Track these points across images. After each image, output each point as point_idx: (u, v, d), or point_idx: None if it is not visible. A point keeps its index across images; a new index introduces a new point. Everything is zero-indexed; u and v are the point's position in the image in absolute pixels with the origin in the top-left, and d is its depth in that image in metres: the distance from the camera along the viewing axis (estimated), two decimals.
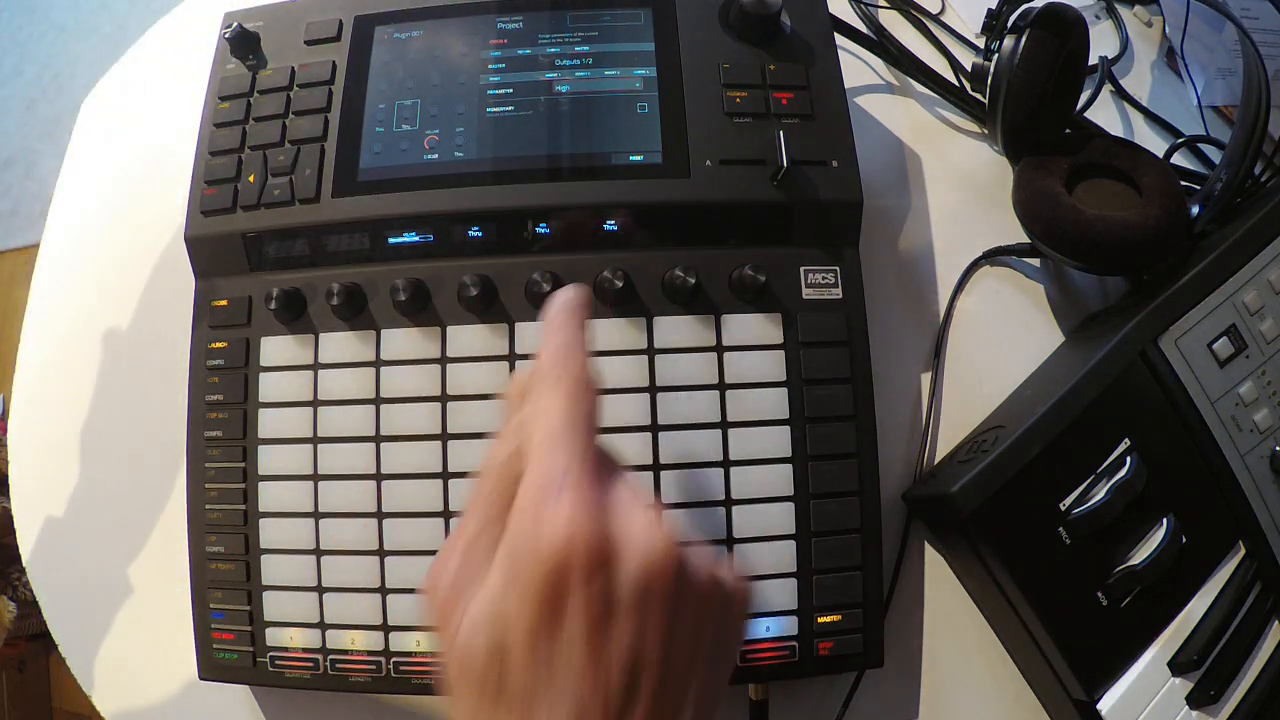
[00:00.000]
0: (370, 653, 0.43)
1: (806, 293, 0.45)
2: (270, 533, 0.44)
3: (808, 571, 0.43)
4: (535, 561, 0.24)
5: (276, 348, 0.45)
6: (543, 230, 0.45)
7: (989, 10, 0.52)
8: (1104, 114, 0.59)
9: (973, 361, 0.53)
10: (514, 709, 0.24)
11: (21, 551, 0.52)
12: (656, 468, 0.43)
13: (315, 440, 0.44)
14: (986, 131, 0.58)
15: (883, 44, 0.59)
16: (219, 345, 0.46)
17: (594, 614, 0.24)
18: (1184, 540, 0.42)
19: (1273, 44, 0.56)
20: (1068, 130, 0.55)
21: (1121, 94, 0.61)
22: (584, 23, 0.48)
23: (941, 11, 0.63)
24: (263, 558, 0.44)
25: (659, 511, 0.28)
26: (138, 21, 1.74)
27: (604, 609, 0.24)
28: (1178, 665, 0.42)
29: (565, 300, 0.31)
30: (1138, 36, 0.63)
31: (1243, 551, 0.43)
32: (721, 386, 0.44)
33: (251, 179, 0.46)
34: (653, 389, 0.43)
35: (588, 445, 0.26)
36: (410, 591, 0.43)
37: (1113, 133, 0.58)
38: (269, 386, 0.45)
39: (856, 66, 0.61)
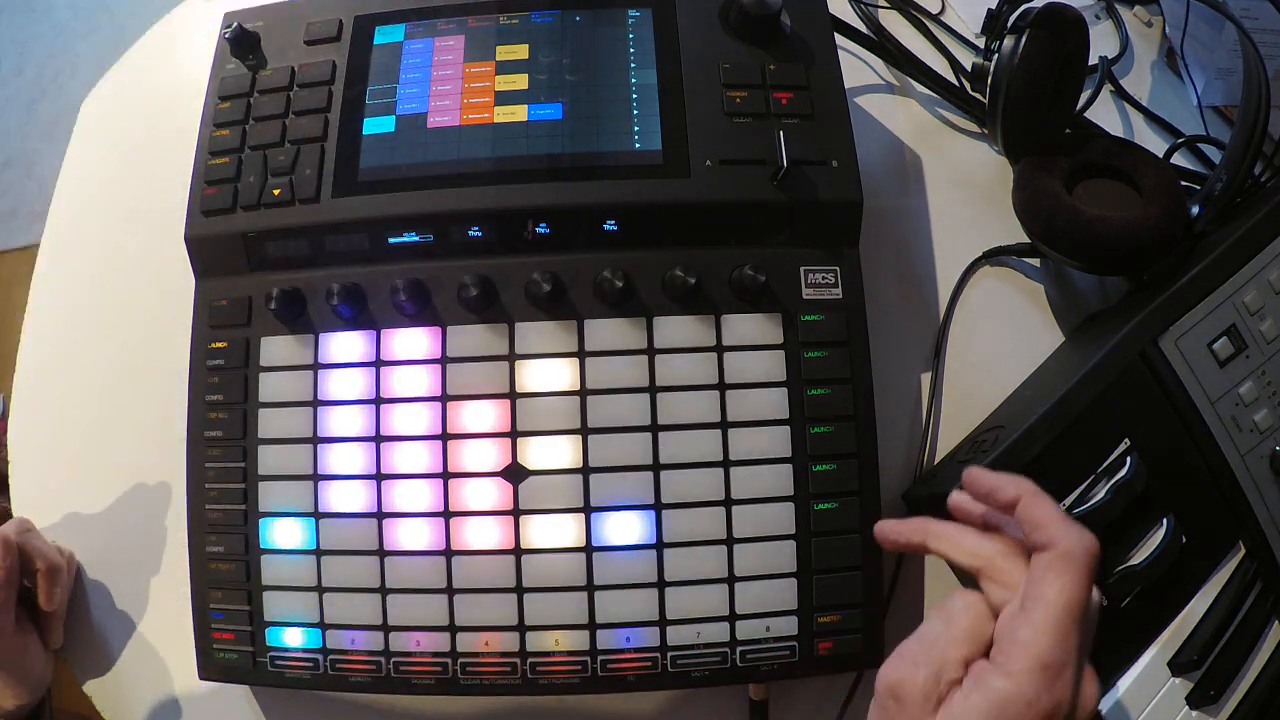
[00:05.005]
0: (370, 653, 0.43)
1: (806, 293, 0.45)
2: (270, 532, 0.44)
3: (808, 571, 0.43)
4: (1029, 716, 0.30)
5: (276, 348, 0.45)
6: (543, 230, 0.45)
7: (989, 10, 0.52)
8: (1104, 114, 0.59)
9: (973, 361, 0.53)
10: None
11: None
12: (656, 468, 0.43)
13: (315, 440, 0.44)
14: (986, 131, 0.58)
15: (883, 44, 0.59)
16: (219, 345, 0.46)
17: None
18: (1184, 540, 0.42)
19: (1273, 44, 0.56)
20: (1068, 130, 0.55)
21: (1121, 94, 0.61)
22: (584, 22, 0.48)
23: (941, 11, 0.63)
24: (263, 558, 0.44)
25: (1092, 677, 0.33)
26: (138, 21, 1.73)
27: None
28: (1178, 665, 0.42)
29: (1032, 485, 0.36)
30: (1138, 36, 0.64)
31: (1243, 551, 0.43)
32: (721, 386, 0.44)
33: (252, 179, 0.46)
34: (653, 389, 0.43)
35: (1083, 633, 0.32)
36: (410, 591, 0.43)
37: (1113, 133, 0.58)
38: (269, 386, 0.45)
39: (856, 66, 0.61)
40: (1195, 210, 0.49)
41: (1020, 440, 0.42)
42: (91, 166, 0.62)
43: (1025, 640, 0.31)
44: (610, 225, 0.45)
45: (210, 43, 0.50)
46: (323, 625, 0.43)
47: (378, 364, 0.44)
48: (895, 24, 0.62)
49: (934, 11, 0.63)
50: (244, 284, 0.46)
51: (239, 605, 0.44)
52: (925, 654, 0.33)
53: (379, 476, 0.44)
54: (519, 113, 0.46)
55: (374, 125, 0.47)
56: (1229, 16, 0.48)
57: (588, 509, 0.43)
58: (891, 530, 0.39)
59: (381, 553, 0.43)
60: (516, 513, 0.43)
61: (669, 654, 0.42)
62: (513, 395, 0.44)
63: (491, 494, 0.43)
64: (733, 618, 0.42)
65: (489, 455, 0.43)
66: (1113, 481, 0.41)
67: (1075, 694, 0.31)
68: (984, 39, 0.53)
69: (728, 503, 0.43)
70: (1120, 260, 0.47)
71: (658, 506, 0.43)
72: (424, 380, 0.44)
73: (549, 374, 0.44)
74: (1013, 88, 0.49)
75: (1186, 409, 0.43)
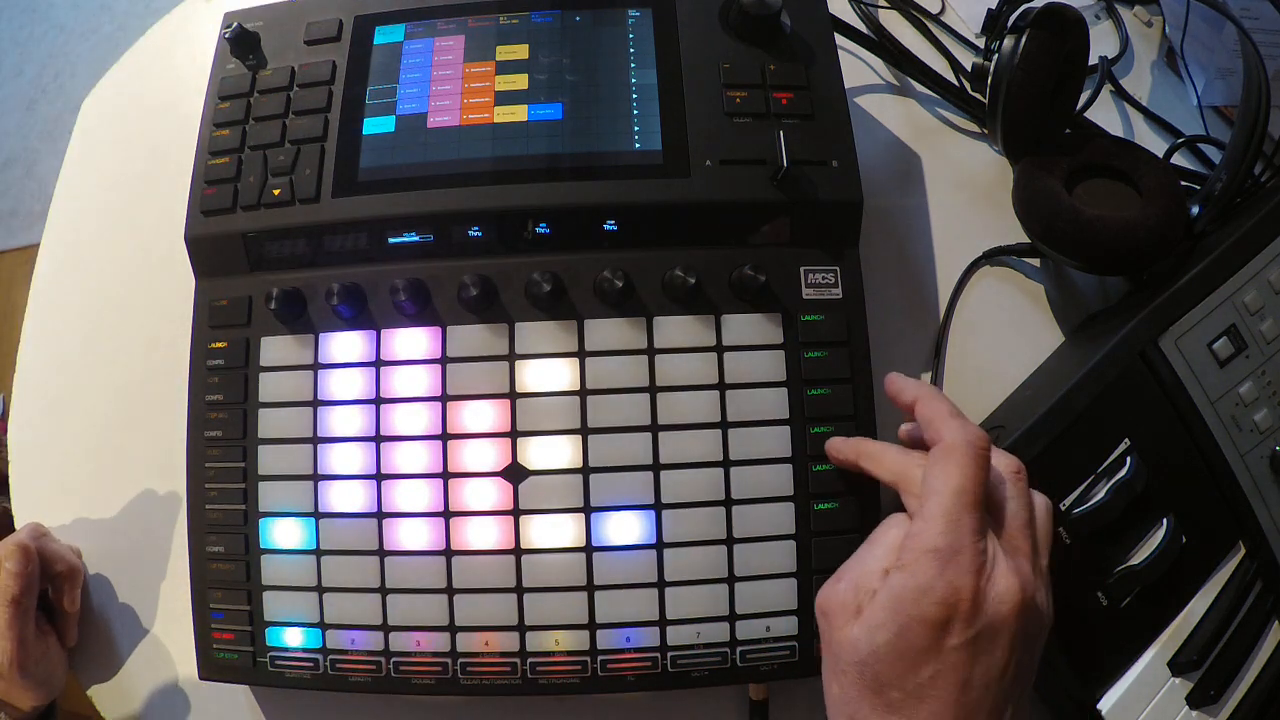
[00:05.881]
0: (370, 653, 0.43)
1: (806, 293, 0.45)
2: (270, 532, 0.44)
3: (808, 571, 0.43)
4: (926, 604, 0.31)
5: (276, 348, 0.45)
6: (543, 230, 0.45)
7: (989, 10, 0.52)
8: (1104, 114, 0.60)
9: (973, 361, 0.53)
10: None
11: None
12: (656, 468, 0.43)
13: (315, 440, 0.44)
14: (986, 131, 0.58)
15: (883, 44, 0.59)
16: (219, 345, 0.46)
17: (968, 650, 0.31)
18: (1184, 540, 0.42)
19: (1273, 44, 0.56)
20: (1068, 130, 0.55)
21: (1121, 94, 0.61)
22: (584, 22, 0.48)
23: (941, 11, 0.63)
24: (263, 558, 0.44)
25: (1017, 560, 0.33)
26: (138, 21, 1.74)
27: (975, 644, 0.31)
28: (1178, 665, 0.42)
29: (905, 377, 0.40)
30: (1138, 36, 0.64)
31: (1243, 551, 0.43)
32: (721, 386, 0.44)
33: (251, 179, 0.46)
34: (653, 389, 0.43)
35: (979, 520, 0.32)
36: (410, 591, 0.43)
37: (1113, 133, 0.58)
38: (269, 386, 0.45)
39: (856, 66, 0.61)
40: (1195, 210, 0.49)
41: (1020, 440, 0.42)
42: (91, 166, 0.62)
43: (916, 530, 0.32)
44: (610, 225, 0.45)
45: (210, 43, 0.50)
46: (323, 625, 0.43)
47: (378, 364, 0.44)
48: (895, 24, 0.62)
49: (934, 11, 0.63)
50: (244, 284, 0.46)
51: (239, 605, 0.44)
52: (848, 570, 0.35)
53: (379, 476, 0.44)
54: (519, 113, 0.46)
55: (374, 125, 0.47)
56: (1229, 16, 0.48)
57: (588, 509, 0.43)
58: (835, 448, 0.42)
59: (381, 553, 0.43)
60: (516, 513, 0.43)
61: (669, 654, 0.42)
62: (513, 395, 0.44)
63: (491, 494, 0.43)
64: (733, 618, 0.42)
65: (489, 455, 0.43)
66: (1113, 481, 0.41)
67: (978, 582, 0.31)
68: (984, 39, 0.53)
69: (728, 503, 0.43)
70: (1120, 260, 0.47)
71: (658, 506, 0.43)
72: (424, 380, 0.44)
73: (549, 374, 0.44)
74: (1013, 88, 0.49)
75: (1186, 409, 0.43)
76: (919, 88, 0.60)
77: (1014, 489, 0.35)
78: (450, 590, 0.43)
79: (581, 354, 0.44)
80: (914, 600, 0.31)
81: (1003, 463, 0.35)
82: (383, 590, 0.43)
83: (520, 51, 0.48)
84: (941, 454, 0.33)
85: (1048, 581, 0.34)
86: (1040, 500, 0.36)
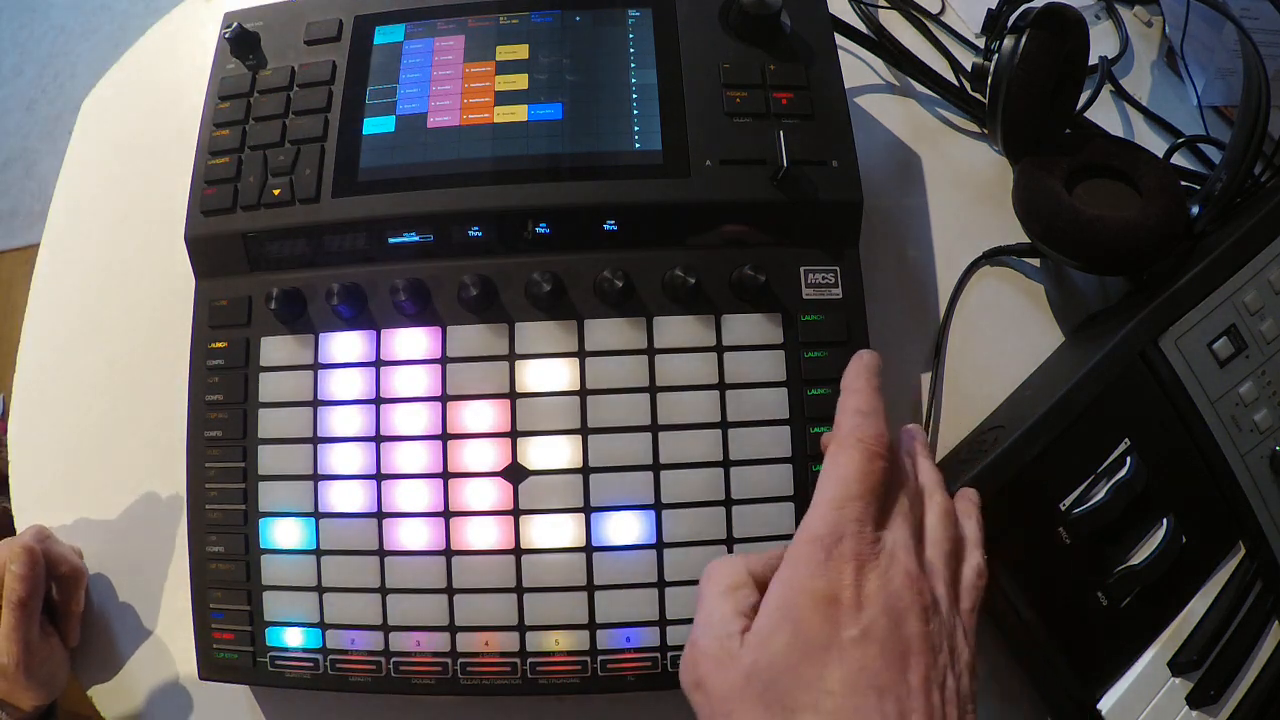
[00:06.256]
0: (370, 653, 0.43)
1: (806, 293, 0.45)
2: (270, 532, 0.44)
3: None
4: (815, 583, 0.30)
5: (276, 348, 0.45)
6: (543, 230, 0.45)
7: (989, 10, 0.52)
8: (1104, 114, 0.59)
9: (973, 361, 0.53)
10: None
11: None
12: (656, 468, 0.43)
13: (315, 440, 0.44)
14: (986, 131, 0.58)
15: (883, 44, 0.59)
16: (219, 345, 0.46)
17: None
18: (1184, 540, 0.42)
19: (1273, 44, 0.56)
20: (1068, 130, 0.55)
21: (1121, 94, 0.61)
22: (584, 22, 0.48)
23: (941, 11, 0.63)
24: (263, 558, 0.44)
25: (933, 580, 0.32)
26: (138, 21, 1.74)
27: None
28: (1178, 665, 0.42)
29: (866, 364, 0.36)
30: (1138, 36, 0.64)
31: (1243, 551, 0.43)
32: (721, 386, 0.44)
33: (251, 179, 0.46)
34: (653, 389, 0.43)
35: (864, 511, 0.31)
36: (410, 591, 0.43)
37: (1113, 133, 0.58)
38: (269, 386, 0.45)
39: (856, 66, 0.61)
40: (1195, 210, 0.49)
41: (1020, 440, 0.42)
42: (91, 166, 0.62)
43: (802, 525, 0.32)
44: (610, 225, 0.45)
45: (210, 43, 0.50)
46: (323, 625, 0.43)
47: (378, 364, 0.44)
48: (895, 24, 0.62)
49: (934, 11, 0.63)
50: (244, 284, 0.46)
51: (239, 605, 0.44)
52: (697, 635, 0.32)
53: (379, 476, 0.44)
54: (519, 113, 0.46)
55: (374, 125, 0.47)
56: (1229, 16, 0.48)
57: (588, 509, 0.43)
58: (825, 439, 0.40)
59: (381, 553, 0.43)
60: (516, 513, 0.43)
61: (669, 654, 0.42)
62: (513, 395, 0.44)
63: (491, 494, 0.43)
64: None
65: (489, 455, 0.43)
66: (1113, 481, 0.41)
67: (863, 567, 0.30)
68: (984, 39, 0.53)
69: (728, 503, 0.43)
70: (1120, 260, 0.47)
71: (658, 506, 0.43)
72: (424, 380, 0.44)
73: (549, 374, 0.44)
74: (1013, 88, 0.49)
75: (1186, 409, 0.43)
76: (919, 88, 0.60)
77: (940, 520, 0.34)
78: (450, 590, 0.43)
79: (581, 354, 0.44)
80: (804, 586, 0.30)
81: (938, 497, 0.35)
82: (383, 590, 0.43)
83: (520, 51, 0.48)
84: (833, 448, 0.33)
85: (967, 624, 0.32)
86: (976, 558, 0.34)
